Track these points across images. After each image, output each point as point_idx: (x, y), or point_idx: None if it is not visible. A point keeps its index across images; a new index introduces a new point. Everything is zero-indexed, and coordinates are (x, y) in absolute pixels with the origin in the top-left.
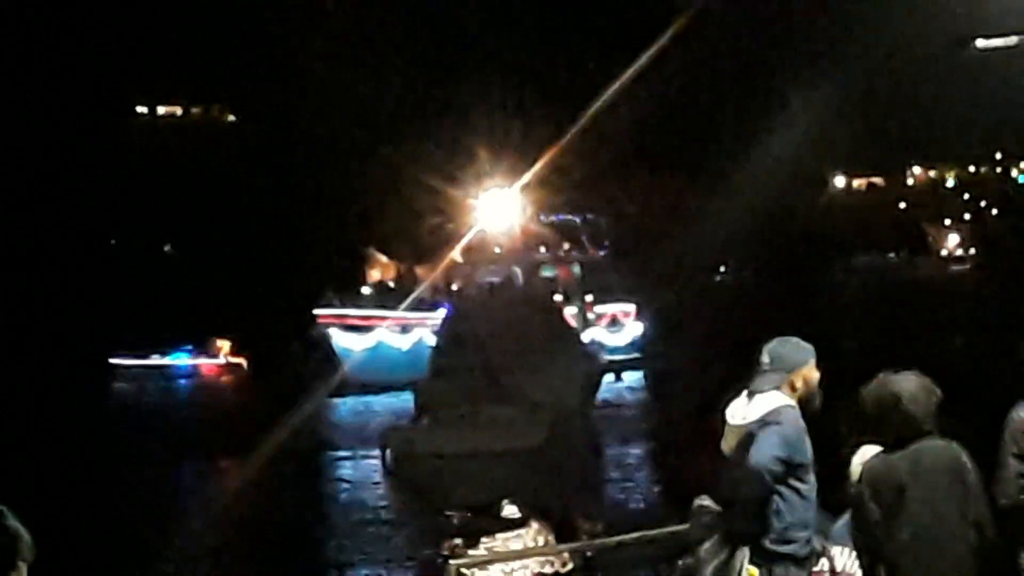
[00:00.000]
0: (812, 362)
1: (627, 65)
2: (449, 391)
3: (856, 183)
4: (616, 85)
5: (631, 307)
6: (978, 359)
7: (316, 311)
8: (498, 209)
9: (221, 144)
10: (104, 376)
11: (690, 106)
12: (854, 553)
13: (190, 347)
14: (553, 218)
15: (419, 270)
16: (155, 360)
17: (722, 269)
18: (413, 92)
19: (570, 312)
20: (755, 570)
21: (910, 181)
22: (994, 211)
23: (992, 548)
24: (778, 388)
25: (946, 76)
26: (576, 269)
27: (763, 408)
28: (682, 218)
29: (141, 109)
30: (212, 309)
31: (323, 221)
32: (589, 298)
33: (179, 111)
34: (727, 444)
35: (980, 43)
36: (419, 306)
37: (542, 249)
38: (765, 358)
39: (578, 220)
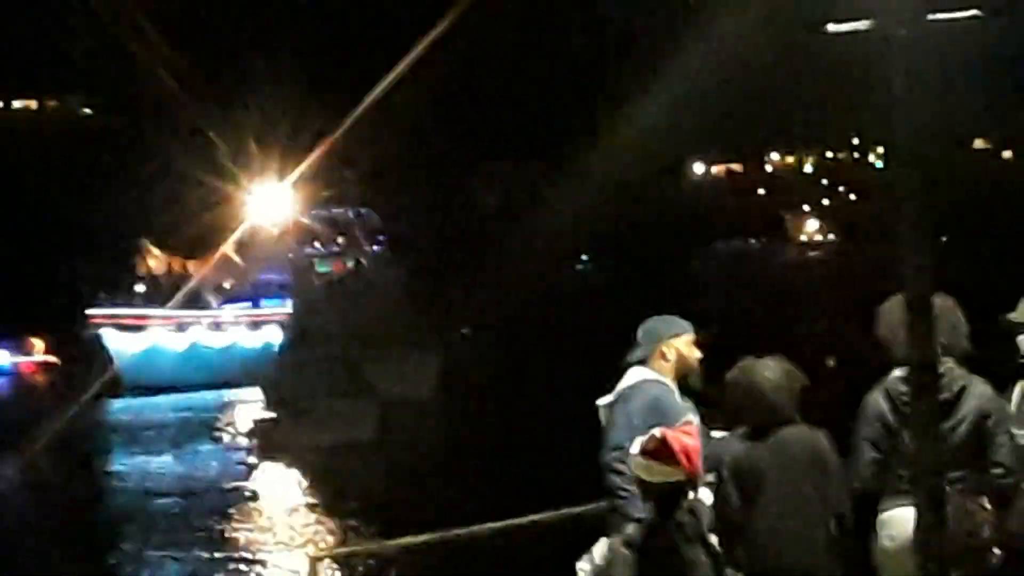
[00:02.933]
0: (686, 337)
1: (413, 48)
2: (297, 386)
3: (714, 169)
4: (400, 69)
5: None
6: (837, 344)
7: (88, 311)
8: (271, 203)
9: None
10: None
11: (532, 92)
12: (714, 538)
13: (5, 345)
14: (325, 212)
15: (190, 265)
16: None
17: (583, 258)
18: (185, 83)
19: None
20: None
21: (768, 167)
22: (852, 196)
23: (850, 535)
24: (644, 360)
25: (800, 61)
26: (350, 264)
27: (624, 383)
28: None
29: None
30: (21, 305)
31: (103, 213)
32: None
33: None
34: (603, 424)
35: (831, 27)
36: (193, 303)
37: (316, 244)
38: (639, 332)
39: (351, 214)
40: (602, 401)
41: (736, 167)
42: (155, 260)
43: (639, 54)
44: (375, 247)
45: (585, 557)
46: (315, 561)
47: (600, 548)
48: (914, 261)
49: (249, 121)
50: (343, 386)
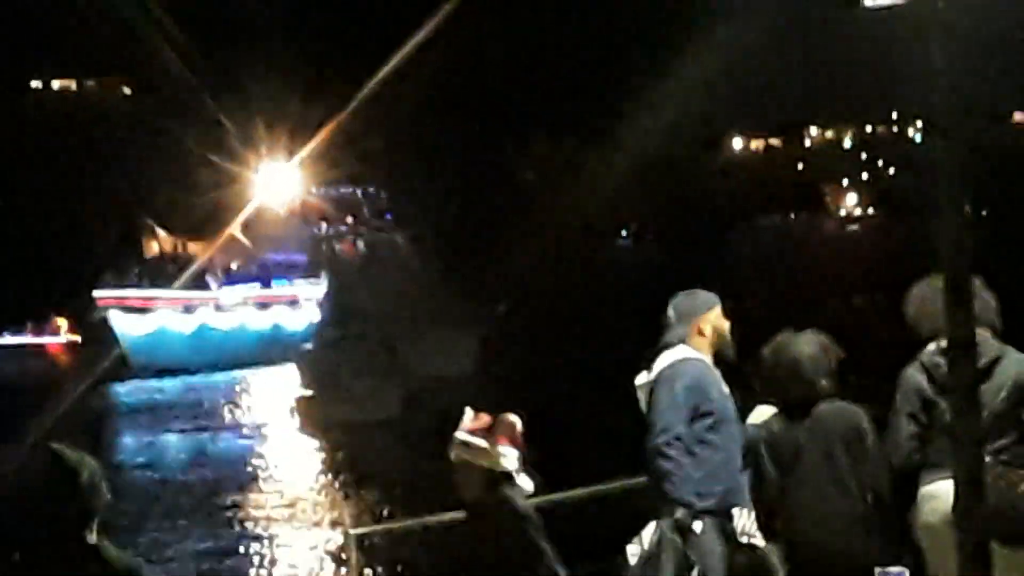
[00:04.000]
0: (717, 308)
1: (421, 26)
2: (333, 364)
3: (753, 144)
4: (413, 43)
5: (318, 289)
6: (876, 318)
7: (96, 293)
8: (278, 183)
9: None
10: None
11: (572, 68)
12: (753, 513)
13: (31, 325)
14: (333, 192)
15: (197, 245)
16: (8, 339)
17: (623, 234)
18: (194, 64)
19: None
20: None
21: (807, 142)
22: (891, 170)
23: (887, 510)
24: (683, 339)
25: (839, 36)
26: (360, 244)
27: (662, 363)
28: (569, 185)
29: (35, 84)
30: (44, 285)
31: (111, 194)
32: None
33: (74, 85)
34: (642, 405)
35: (867, 2)
36: (196, 285)
37: (323, 224)
38: (669, 312)
39: (359, 193)
40: (640, 381)
41: (775, 142)
42: (162, 241)
43: (680, 29)
44: (382, 226)
45: (635, 540)
46: (359, 538)
47: (649, 532)
48: (951, 235)
49: (258, 101)
50: (378, 364)
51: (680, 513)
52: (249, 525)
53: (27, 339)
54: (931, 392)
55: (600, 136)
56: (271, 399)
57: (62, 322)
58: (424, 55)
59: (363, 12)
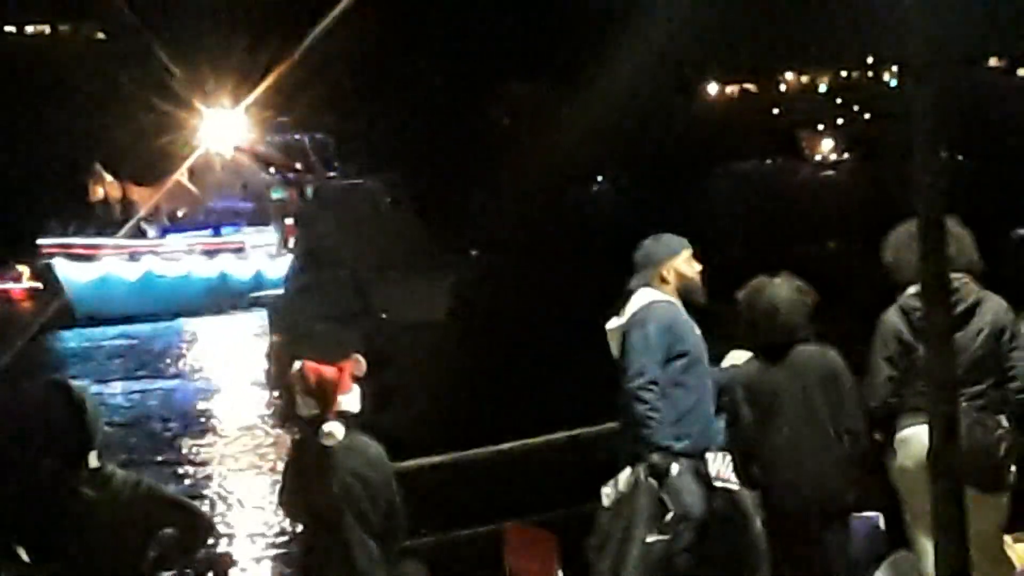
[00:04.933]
0: (685, 253)
1: None
2: (303, 310)
3: (728, 89)
4: None
5: (265, 237)
6: (851, 262)
7: (40, 240)
8: (224, 129)
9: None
10: None
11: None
12: (728, 457)
13: None
14: (280, 138)
15: (142, 191)
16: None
17: (599, 179)
18: (138, 7)
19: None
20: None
21: (782, 87)
22: (866, 115)
23: (863, 454)
24: (648, 284)
25: None
26: (309, 191)
27: (633, 307)
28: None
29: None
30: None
31: (58, 139)
32: (290, 222)
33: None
34: (613, 350)
35: None
36: (138, 231)
37: (271, 170)
38: (637, 256)
39: (307, 140)
40: (611, 325)
41: (750, 87)
42: (108, 186)
43: None
44: (330, 173)
45: (610, 483)
46: None
47: (625, 475)
48: (926, 179)
49: (205, 43)
50: (348, 309)
51: (656, 456)
52: (200, 472)
53: None
54: (909, 336)
55: (575, 81)
56: (219, 347)
57: (23, 268)
58: None
59: None
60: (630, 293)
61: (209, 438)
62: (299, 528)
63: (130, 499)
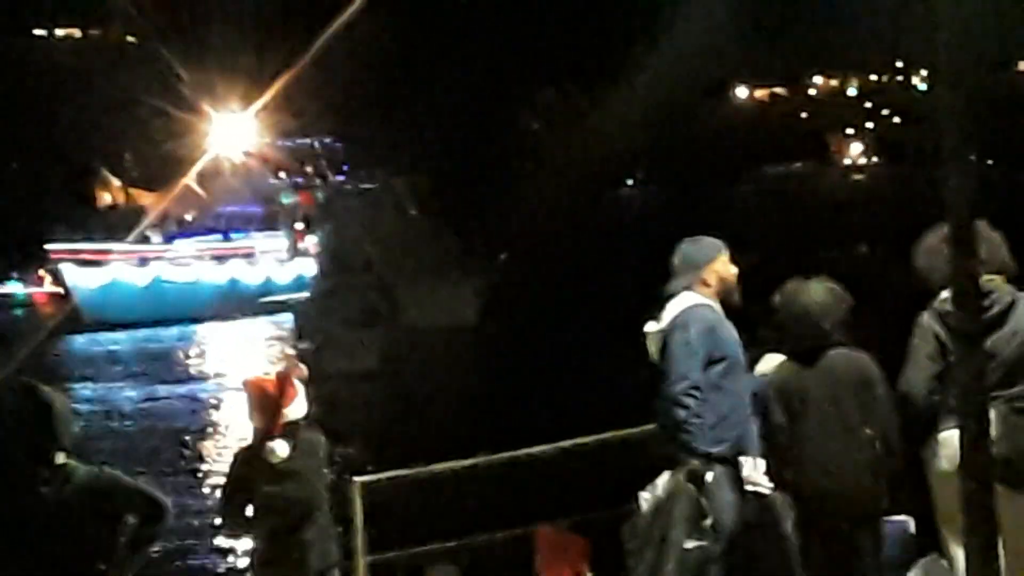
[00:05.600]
0: (723, 256)
1: None
2: (328, 313)
3: (758, 93)
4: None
5: (275, 242)
6: (880, 266)
7: (48, 246)
8: (233, 133)
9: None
10: None
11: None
12: (760, 461)
13: (17, 276)
14: (290, 143)
15: (151, 197)
16: (7, 288)
17: (629, 182)
18: (147, 11)
19: (312, 241)
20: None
21: (812, 91)
22: (896, 119)
23: (897, 457)
24: (689, 287)
25: None
26: (320, 196)
27: (673, 311)
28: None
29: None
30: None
31: (66, 144)
32: (300, 226)
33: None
34: (652, 354)
35: None
36: (143, 237)
37: (281, 175)
38: (675, 259)
39: (316, 144)
40: (650, 328)
41: (780, 90)
42: (115, 191)
43: None
44: (339, 177)
45: (648, 488)
46: (364, 486)
47: (664, 480)
48: (956, 183)
49: (214, 46)
50: (375, 314)
51: (696, 462)
52: (204, 472)
53: (16, 289)
54: (946, 339)
55: (604, 85)
56: (229, 352)
57: (45, 273)
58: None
59: None
60: (669, 296)
61: (219, 442)
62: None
63: (92, 491)
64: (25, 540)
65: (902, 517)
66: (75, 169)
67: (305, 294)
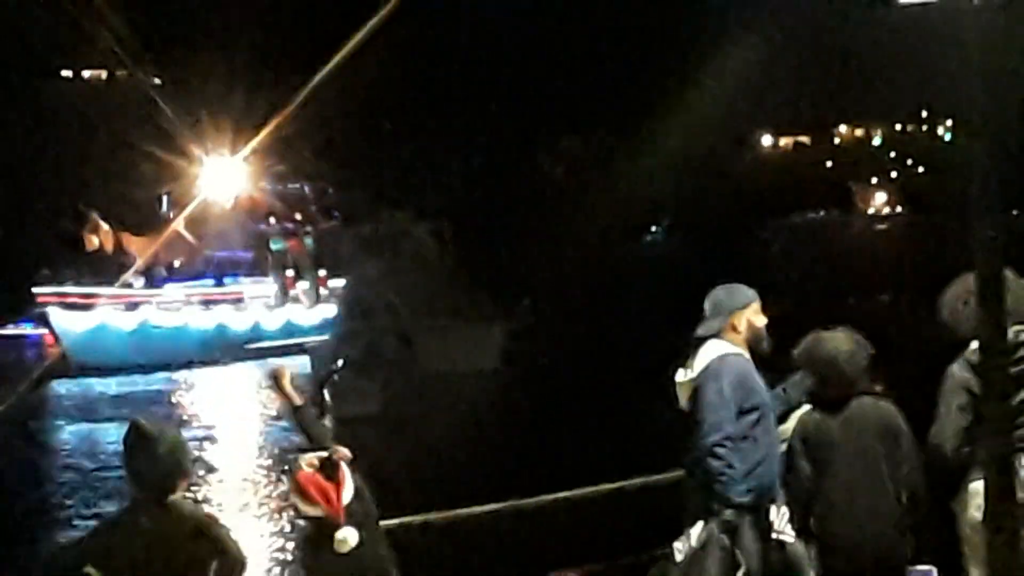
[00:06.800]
0: (754, 305)
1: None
2: (341, 357)
3: (783, 141)
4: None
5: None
6: (904, 315)
7: (34, 289)
8: (223, 178)
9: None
10: None
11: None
12: (784, 509)
13: (29, 318)
14: (280, 187)
15: (139, 241)
16: (11, 330)
17: (653, 229)
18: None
19: (301, 287)
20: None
21: (837, 139)
22: (920, 169)
23: (922, 506)
24: (718, 334)
25: (870, 33)
26: (309, 241)
27: (705, 359)
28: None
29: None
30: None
31: (54, 186)
32: (322, 272)
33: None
34: (681, 402)
35: None
36: (125, 283)
37: (271, 220)
38: (707, 305)
39: (307, 189)
40: (681, 377)
41: (804, 139)
42: (104, 235)
43: (709, 25)
44: (332, 222)
45: (682, 538)
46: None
47: (697, 530)
48: (984, 234)
49: (203, 92)
50: (392, 358)
51: (729, 513)
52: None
53: (26, 330)
54: (977, 388)
55: (630, 131)
56: (217, 397)
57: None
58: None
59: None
60: (699, 342)
61: (209, 486)
62: None
63: (194, 531)
64: (127, 570)
65: (926, 567)
66: (64, 211)
67: (324, 337)
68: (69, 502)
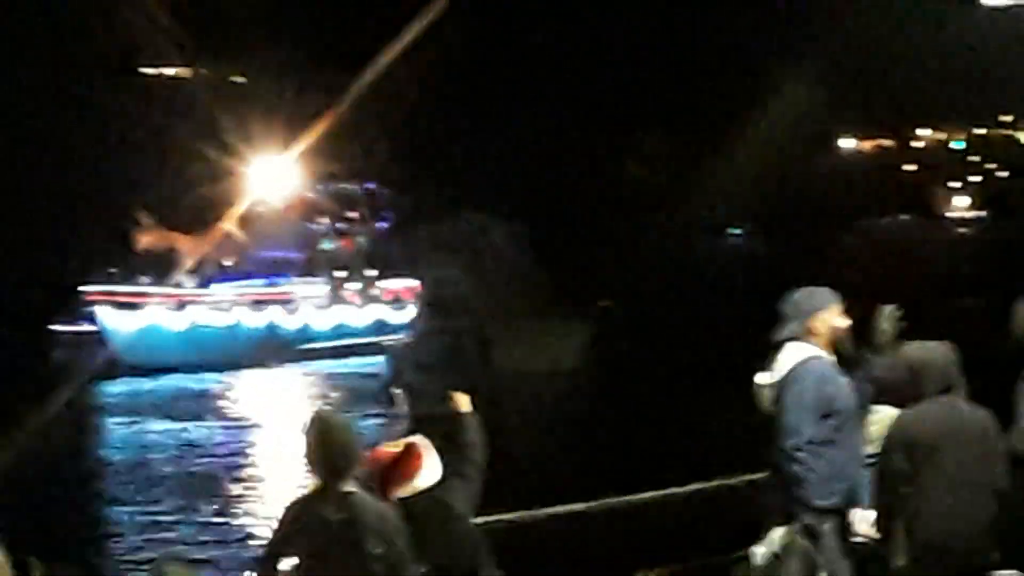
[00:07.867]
0: (833, 307)
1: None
2: (418, 357)
3: (864, 145)
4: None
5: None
6: (984, 319)
7: (83, 288)
8: (274, 178)
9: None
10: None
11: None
12: (869, 512)
13: (84, 317)
14: (332, 187)
15: (189, 240)
16: (87, 327)
17: (733, 231)
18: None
19: (352, 287)
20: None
21: (917, 143)
22: (1002, 173)
23: (1008, 508)
24: (797, 336)
25: (953, 36)
26: (361, 240)
27: (787, 363)
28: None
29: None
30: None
31: (102, 185)
32: (373, 273)
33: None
34: (764, 405)
35: (986, 1)
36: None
37: (322, 220)
38: (787, 307)
39: (359, 190)
40: (762, 380)
41: (886, 142)
42: (154, 234)
43: (792, 28)
44: (383, 223)
45: (762, 542)
46: None
47: (778, 535)
48: None
49: (257, 89)
50: (471, 358)
51: (810, 517)
52: (251, 517)
53: (79, 327)
54: None
55: (712, 133)
56: (267, 399)
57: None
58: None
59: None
60: (779, 345)
61: (258, 482)
62: None
63: (366, 524)
64: (311, 556)
65: (1011, 572)
66: (114, 213)
67: (400, 336)
68: (121, 494)
